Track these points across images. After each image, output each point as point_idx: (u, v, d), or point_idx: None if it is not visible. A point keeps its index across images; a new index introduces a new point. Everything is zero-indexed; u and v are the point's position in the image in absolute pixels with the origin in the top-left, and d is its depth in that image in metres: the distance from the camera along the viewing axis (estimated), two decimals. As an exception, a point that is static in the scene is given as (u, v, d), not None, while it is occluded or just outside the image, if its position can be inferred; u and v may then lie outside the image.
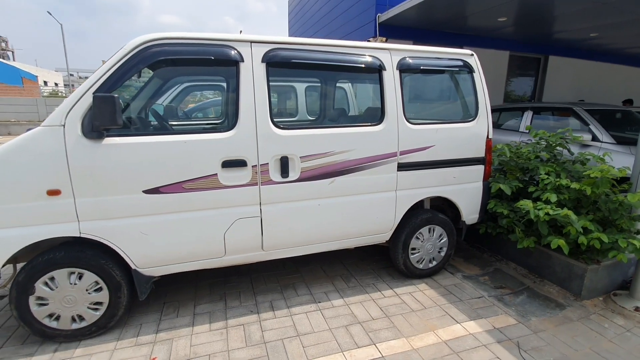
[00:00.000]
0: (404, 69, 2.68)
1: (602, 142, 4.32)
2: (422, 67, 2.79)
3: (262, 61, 2.28)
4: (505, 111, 6.11)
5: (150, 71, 2.55)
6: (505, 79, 8.41)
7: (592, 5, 5.30)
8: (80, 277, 2.09)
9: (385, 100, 2.61)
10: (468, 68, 2.93)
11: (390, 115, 2.62)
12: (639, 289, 2.71)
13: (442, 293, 2.83)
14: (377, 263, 3.32)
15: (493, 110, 6.17)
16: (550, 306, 2.69)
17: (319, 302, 2.67)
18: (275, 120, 2.34)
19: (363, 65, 2.56)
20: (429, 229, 2.97)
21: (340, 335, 2.28)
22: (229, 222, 2.30)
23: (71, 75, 28.21)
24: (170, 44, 2.09)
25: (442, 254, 3.08)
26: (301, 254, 2.62)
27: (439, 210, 3.13)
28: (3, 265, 1.96)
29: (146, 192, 2.09)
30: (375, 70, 2.60)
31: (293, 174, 2.40)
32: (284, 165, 2.36)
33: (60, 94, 30.32)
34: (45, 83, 37.48)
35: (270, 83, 2.34)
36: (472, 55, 2.95)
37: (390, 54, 2.63)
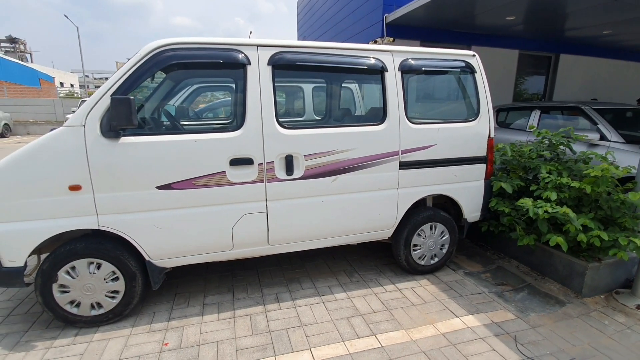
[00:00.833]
0: (406, 70, 2.76)
1: (610, 141, 4.29)
2: (424, 68, 2.86)
3: (268, 64, 2.39)
4: (513, 110, 6.10)
5: (163, 74, 2.69)
6: (514, 78, 8.35)
7: (604, 1, 5.25)
8: (98, 267, 2.24)
9: (387, 100, 2.70)
10: (470, 69, 2.99)
11: (392, 115, 2.70)
12: (641, 287, 2.73)
13: (443, 289, 2.90)
14: (380, 260, 3.41)
15: (501, 110, 6.20)
16: (550, 303, 2.73)
17: (323, 295, 2.77)
18: (280, 120, 2.45)
19: (365, 67, 2.65)
20: (431, 226, 3.04)
21: (341, 326, 2.38)
22: (237, 217, 2.43)
23: (86, 76, 28.92)
24: (182, 49, 2.22)
25: (444, 251, 3.15)
26: (305, 249, 2.73)
27: (442, 208, 3.20)
28: (29, 256, 2.13)
29: (159, 188, 2.23)
30: (378, 72, 2.69)
31: (297, 172, 2.51)
32: (289, 163, 2.47)
33: (75, 94, 31.13)
34: (62, 84, 38.53)
35: (276, 84, 2.45)
36: (474, 56, 3.01)
37: (392, 55, 2.71)
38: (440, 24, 6.89)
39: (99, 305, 2.30)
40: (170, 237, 2.31)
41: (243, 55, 2.34)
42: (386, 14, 6.69)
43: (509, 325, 2.43)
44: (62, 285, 2.20)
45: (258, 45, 2.38)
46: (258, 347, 2.16)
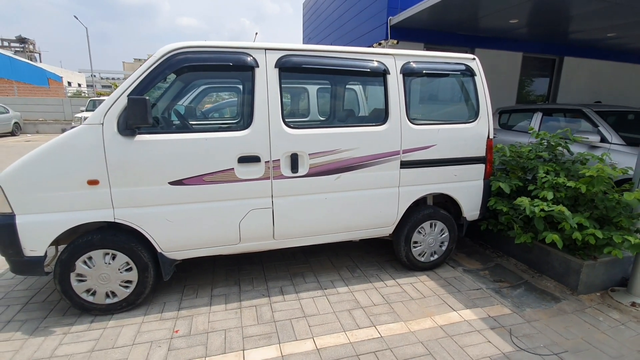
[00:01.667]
0: (408, 72, 2.86)
1: (611, 143, 4.36)
2: (425, 71, 2.96)
3: (275, 66, 2.51)
4: (515, 112, 6.17)
5: (175, 75, 2.82)
6: (518, 80, 8.41)
7: (607, 5, 5.31)
8: (113, 257, 2.37)
9: (389, 102, 2.80)
10: (470, 71, 3.08)
11: (394, 116, 2.81)
12: (636, 284, 2.80)
13: (442, 284, 3.00)
14: (382, 256, 3.51)
15: (503, 112, 6.27)
16: (546, 299, 2.82)
17: (325, 289, 2.88)
18: (286, 120, 2.57)
19: (368, 70, 2.76)
20: (431, 224, 3.14)
21: (343, 318, 2.49)
22: (244, 212, 2.54)
23: (93, 76, 29.32)
24: (194, 52, 2.35)
25: (444, 248, 3.25)
26: (309, 244, 2.84)
27: (442, 206, 3.29)
28: (48, 246, 2.26)
29: (171, 183, 2.35)
30: (380, 74, 2.80)
31: (302, 170, 2.62)
32: (294, 161, 2.58)
33: (83, 94, 31.54)
34: (69, 84, 39.03)
35: (283, 86, 2.57)
36: (474, 59, 3.10)
37: (394, 59, 2.82)
38: (444, 27, 6.98)
39: (114, 294, 2.43)
40: (181, 230, 2.44)
41: (251, 58, 2.46)
42: (390, 17, 6.79)
43: (504, 319, 2.53)
44: (79, 275, 2.34)
45: (266, 49, 2.50)
46: (263, 336, 2.27)
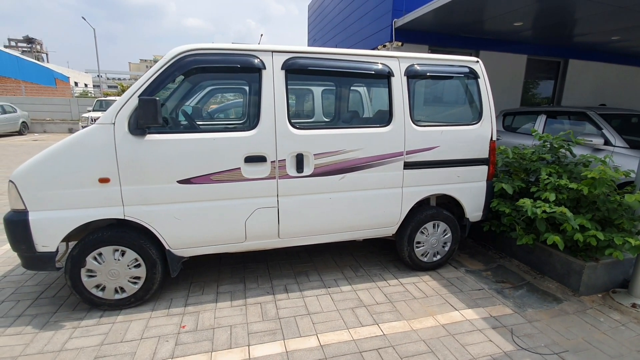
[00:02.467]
0: (412, 75, 2.91)
1: (615, 146, 4.37)
2: (428, 74, 3.00)
3: (282, 68, 2.56)
4: (519, 115, 6.19)
5: (184, 77, 2.88)
6: (522, 82, 8.42)
7: (611, 8, 5.33)
8: (122, 254, 2.43)
9: (393, 103, 2.85)
10: (473, 74, 3.12)
11: (398, 117, 2.85)
12: (637, 286, 2.82)
13: (444, 284, 3.03)
14: (385, 256, 3.55)
15: (507, 114, 6.29)
16: (548, 300, 2.84)
17: (329, 287, 2.92)
18: (292, 121, 2.62)
19: (373, 72, 2.81)
20: (434, 225, 3.17)
21: (346, 315, 2.53)
22: (250, 211, 2.60)
23: (99, 76, 29.62)
24: (203, 54, 2.41)
25: (446, 248, 3.28)
26: (313, 243, 2.89)
27: (445, 207, 3.33)
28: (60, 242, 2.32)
29: (180, 182, 2.41)
30: (385, 77, 2.84)
31: (307, 170, 2.67)
32: (299, 161, 2.63)
33: (89, 94, 31.85)
34: (76, 84, 39.41)
35: (289, 87, 2.62)
36: (478, 62, 3.14)
37: (398, 61, 2.87)
38: (449, 29, 7.02)
39: (122, 289, 2.49)
40: (188, 228, 2.49)
41: (259, 60, 2.52)
42: (395, 19, 6.84)
43: (506, 319, 2.55)
44: (89, 270, 2.40)
45: (273, 51, 2.56)
46: (268, 332, 2.32)
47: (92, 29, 23.95)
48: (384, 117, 2.92)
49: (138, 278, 2.50)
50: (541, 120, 5.52)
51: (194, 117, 3.24)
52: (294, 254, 3.54)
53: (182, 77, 2.52)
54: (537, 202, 2.89)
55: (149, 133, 2.33)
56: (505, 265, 3.45)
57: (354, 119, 3.70)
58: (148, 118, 2.20)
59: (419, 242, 3.16)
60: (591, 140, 4.36)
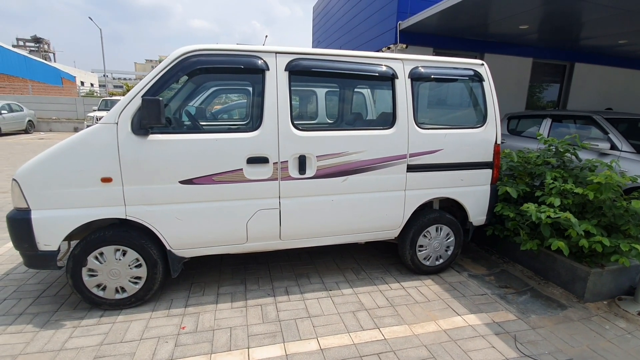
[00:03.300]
0: (416, 77, 2.89)
1: (621, 150, 4.32)
2: (433, 76, 2.98)
3: (285, 70, 2.56)
4: (524, 118, 6.14)
5: (188, 77, 2.89)
6: (527, 86, 8.37)
7: (617, 12, 5.28)
8: (124, 254, 2.43)
9: (396, 106, 2.83)
10: (478, 77, 3.10)
11: (401, 120, 2.83)
12: (644, 294, 2.78)
13: (447, 289, 3.00)
14: (387, 259, 3.53)
15: (512, 117, 6.25)
16: (552, 306, 2.80)
17: (330, 290, 2.90)
18: (295, 122, 2.61)
19: (377, 74, 2.80)
20: (437, 228, 3.15)
21: (347, 319, 2.51)
22: (251, 212, 2.59)
23: (105, 76, 29.86)
24: (207, 55, 2.40)
25: (449, 252, 3.25)
26: (315, 245, 2.87)
27: (448, 211, 3.30)
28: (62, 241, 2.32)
29: (182, 182, 2.41)
30: (388, 79, 2.83)
31: (310, 171, 2.66)
32: (302, 163, 2.62)
33: (95, 94, 32.09)
34: (82, 83, 39.74)
35: (292, 88, 2.62)
36: (483, 65, 3.12)
37: (403, 63, 2.85)
38: (454, 32, 6.99)
39: (123, 289, 2.49)
40: (189, 228, 2.49)
41: (262, 61, 2.52)
42: (400, 21, 6.83)
43: (509, 325, 2.52)
44: (90, 270, 2.40)
45: (276, 53, 2.55)
46: (268, 334, 2.30)
47: (98, 29, 24.15)
48: (388, 120, 2.90)
49: (139, 278, 2.50)
50: (546, 124, 5.47)
51: (197, 118, 3.24)
52: (295, 256, 3.53)
53: (185, 77, 2.52)
54: (541, 207, 2.86)
55: (152, 133, 2.32)
56: (509, 270, 3.41)
57: (357, 121, 3.68)
58: (151, 118, 2.20)
59: (421, 246, 3.13)
60: (597, 145, 4.31)
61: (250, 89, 3.50)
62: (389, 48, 7.18)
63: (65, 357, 2.03)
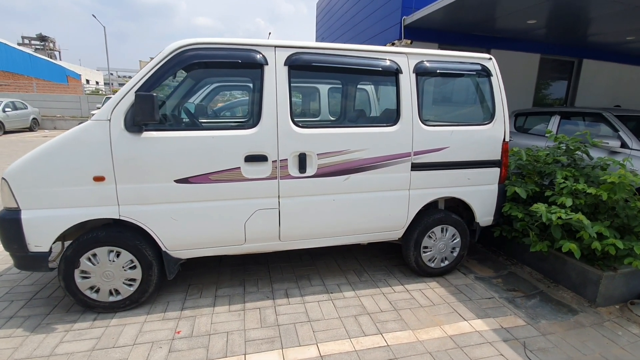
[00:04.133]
0: (421, 72, 2.77)
1: (632, 149, 4.18)
2: (439, 71, 2.87)
3: (285, 64, 2.46)
4: (532, 115, 6.00)
5: (184, 72, 2.80)
6: (535, 82, 8.19)
7: (625, 7, 5.12)
8: (117, 255, 2.35)
9: (400, 102, 2.72)
10: (486, 72, 2.98)
11: (405, 116, 2.72)
12: (659, 298, 2.66)
13: (453, 292, 2.90)
14: (390, 260, 3.42)
15: (519, 114, 6.10)
16: (563, 311, 2.69)
17: (331, 292, 2.81)
18: (295, 119, 2.51)
19: (380, 69, 2.68)
20: (442, 229, 3.04)
21: (349, 324, 2.41)
22: (250, 213, 2.49)
23: (111, 74, 29.91)
24: (203, 49, 2.31)
25: (455, 254, 3.14)
26: (316, 246, 2.78)
27: (454, 211, 3.19)
28: (53, 242, 2.25)
29: (177, 181, 2.32)
30: (392, 74, 2.71)
31: (310, 170, 2.56)
32: (302, 161, 2.52)
33: (100, 92, 32.17)
34: (88, 81, 39.89)
35: (292, 84, 2.51)
36: (491, 59, 2.99)
37: (407, 57, 2.74)
38: (459, 27, 6.84)
39: (117, 292, 2.41)
40: (185, 229, 2.40)
41: (261, 55, 2.42)
42: (404, 17, 6.69)
43: (518, 331, 2.41)
44: (83, 271, 2.32)
45: (275, 46, 2.45)
46: (266, 340, 2.22)
47: (102, 26, 24.17)
48: (391, 116, 2.79)
49: (133, 280, 2.42)
50: (555, 121, 5.32)
51: (193, 114, 3.15)
52: (296, 257, 3.44)
53: (180, 72, 2.42)
54: (552, 208, 2.74)
55: (146, 130, 2.24)
56: (517, 272, 3.29)
57: (360, 118, 3.57)
58: (145, 114, 2.11)
59: (426, 247, 3.03)
60: (607, 143, 4.17)
61: (249, 84, 3.40)
62: (393, 44, 7.05)
63: (55, 363, 1.95)
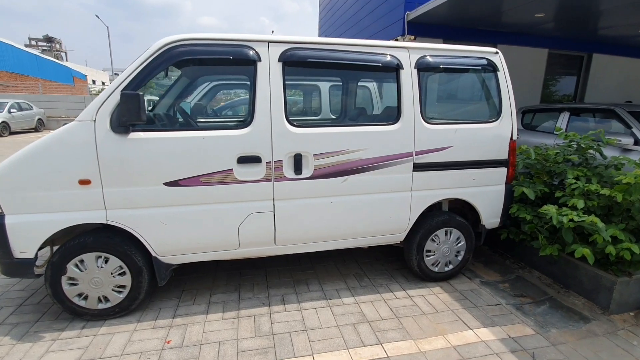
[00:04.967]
0: (423, 67, 2.64)
1: (646, 146, 4.00)
2: (442, 66, 2.73)
3: (279, 60, 2.34)
4: (539, 112, 5.81)
5: (172, 69, 2.69)
6: (543, 78, 7.98)
7: (637, 0, 4.92)
8: (106, 261, 2.26)
9: (402, 99, 2.59)
10: (492, 67, 2.83)
11: (407, 114, 2.59)
12: (677, 305, 2.51)
13: (457, 298, 2.77)
14: (392, 264, 3.30)
15: (527, 111, 5.92)
16: (574, 318, 2.55)
17: (330, 298, 2.70)
18: (290, 118, 2.39)
19: (380, 64, 2.55)
20: (446, 232, 2.91)
21: (347, 333, 2.30)
22: (243, 216, 2.39)
23: (116, 74, 30.07)
24: (192, 45, 2.20)
25: (459, 258, 3.01)
26: (313, 250, 2.66)
27: (458, 212, 3.05)
28: (40, 248, 2.16)
29: (166, 184, 2.22)
30: (393, 69, 2.58)
31: (306, 171, 2.44)
32: (298, 162, 2.41)
33: (105, 92, 32.25)
34: (94, 82, 40.16)
35: (287, 81, 2.40)
36: (497, 53, 2.85)
37: (408, 52, 2.60)
38: (464, 22, 6.67)
39: (106, 299, 2.32)
40: (176, 234, 2.30)
41: (253, 51, 2.30)
42: (407, 12, 6.54)
43: (527, 341, 2.28)
44: (70, 278, 2.23)
45: (269, 42, 2.33)
46: (259, 350, 2.11)
47: (105, 27, 24.26)
48: (392, 114, 2.66)
49: (123, 287, 2.33)
50: (564, 118, 5.14)
51: (182, 114, 3.03)
52: (294, 260, 3.33)
53: (169, 70, 2.32)
54: (562, 210, 2.59)
55: (133, 131, 2.14)
56: (525, 276, 3.15)
57: (359, 116, 3.44)
58: (131, 114, 2.01)
59: (429, 251, 2.90)
60: (620, 140, 3.99)
61: (241, 82, 3.29)
62: (396, 40, 6.90)
63: (38, 375, 1.87)
